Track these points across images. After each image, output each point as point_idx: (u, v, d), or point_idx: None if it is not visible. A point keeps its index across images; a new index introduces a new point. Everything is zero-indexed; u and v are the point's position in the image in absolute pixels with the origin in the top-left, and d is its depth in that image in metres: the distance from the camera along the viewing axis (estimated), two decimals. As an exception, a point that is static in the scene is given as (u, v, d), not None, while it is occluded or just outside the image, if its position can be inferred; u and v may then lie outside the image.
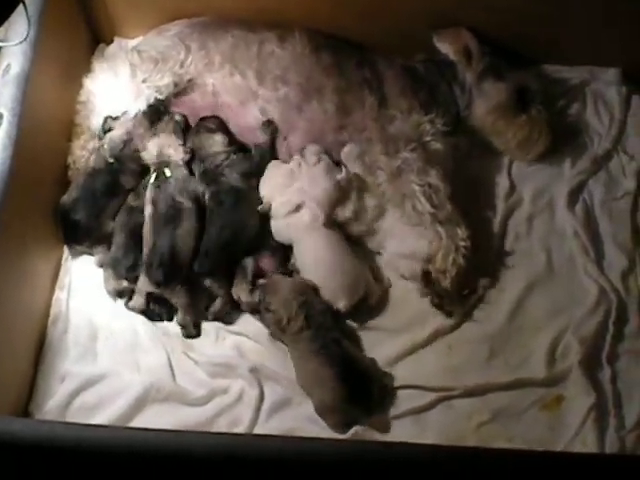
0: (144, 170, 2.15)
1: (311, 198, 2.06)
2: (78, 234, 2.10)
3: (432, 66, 2.23)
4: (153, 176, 2.11)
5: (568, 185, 2.20)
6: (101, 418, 1.92)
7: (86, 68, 2.30)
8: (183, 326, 2.03)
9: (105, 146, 2.14)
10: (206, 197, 2.10)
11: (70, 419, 1.93)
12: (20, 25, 1.85)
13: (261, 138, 2.16)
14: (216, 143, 2.13)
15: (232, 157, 2.13)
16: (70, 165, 2.18)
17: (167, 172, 2.10)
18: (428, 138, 2.12)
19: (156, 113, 2.18)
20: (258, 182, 2.11)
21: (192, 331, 2.04)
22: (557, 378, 1.97)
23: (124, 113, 2.16)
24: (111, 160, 2.13)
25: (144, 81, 2.15)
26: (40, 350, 2.02)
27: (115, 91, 2.17)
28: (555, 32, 2.24)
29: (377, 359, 1.98)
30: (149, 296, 2.03)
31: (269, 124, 2.15)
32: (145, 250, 2.03)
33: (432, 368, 1.99)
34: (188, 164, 2.14)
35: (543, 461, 1.55)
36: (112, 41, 2.40)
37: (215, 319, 2.04)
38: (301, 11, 2.23)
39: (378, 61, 2.23)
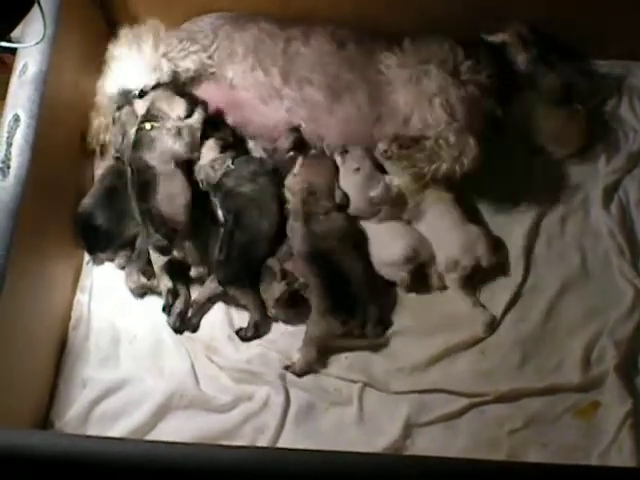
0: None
1: None
2: (100, 242, 2.05)
3: (477, 49, 2.15)
4: (134, 129, 2.06)
5: (603, 183, 2.14)
6: (124, 426, 1.89)
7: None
8: (199, 278, 2.01)
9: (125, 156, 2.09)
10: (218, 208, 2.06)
11: (92, 427, 1.90)
12: (36, 24, 1.80)
13: (283, 143, 2.10)
14: (209, 151, 2.08)
15: (228, 166, 2.06)
16: (88, 139, 2.17)
17: (147, 125, 2.04)
18: (466, 77, 2.05)
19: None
20: (269, 182, 2.06)
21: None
22: (592, 383, 1.92)
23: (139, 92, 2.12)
24: (117, 154, 2.10)
25: (164, 55, 2.11)
26: (61, 355, 1.99)
27: (134, 60, 2.13)
28: (590, 26, 2.17)
29: (409, 363, 1.95)
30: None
31: (293, 131, 2.10)
32: (138, 218, 2.01)
33: (464, 373, 1.95)
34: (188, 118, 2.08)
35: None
36: (131, 37, 2.35)
37: (255, 333, 1.99)
38: (326, 2, 2.18)
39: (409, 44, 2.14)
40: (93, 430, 1.89)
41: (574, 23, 2.15)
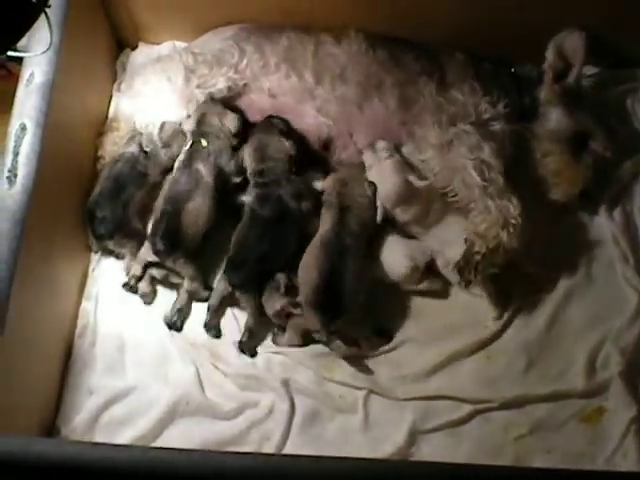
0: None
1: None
2: (106, 227, 2.05)
3: (502, 68, 2.16)
4: (189, 144, 2.08)
5: (606, 190, 2.13)
6: (130, 433, 1.89)
7: (110, 73, 2.31)
8: (191, 292, 2.02)
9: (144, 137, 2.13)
10: (250, 196, 2.05)
11: (98, 434, 1.91)
12: (43, 33, 1.78)
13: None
14: (284, 150, 2.06)
15: (291, 174, 2.06)
16: (100, 159, 2.16)
17: (203, 142, 2.06)
18: (487, 116, 2.05)
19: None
20: (309, 204, 2.05)
21: (202, 294, 2.03)
22: (597, 389, 1.92)
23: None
24: (147, 148, 2.11)
25: (198, 87, 2.12)
26: (67, 362, 1.99)
27: (167, 95, 2.13)
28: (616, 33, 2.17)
29: (414, 370, 1.95)
30: (148, 266, 2.02)
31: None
32: (154, 215, 2.03)
33: (469, 379, 1.95)
34: (236, 136, 2.09)
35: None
36: (136, 46, 2.37)
37: (249, 337, 1.99)
38: (327, 12, 2.18)
39: (437, 53, 2.15)
40: (99, 437, 1.90)
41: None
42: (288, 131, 2.09)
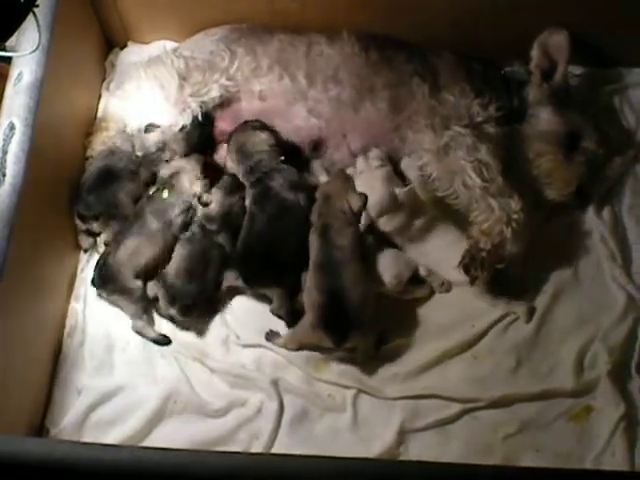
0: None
1: None
2: (92, 209, 2.06)
3: (492, 68, 2.17)
4: (152, 189, 2.09)
5: (594, 189, 2.14)
6: (119, 432, 1.89)
7: (99, 73, 2.31)
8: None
9: (138, 141, 2.12)
10: (247, 200, 2.05)
11: (87, 434, 1.90)
12: (31, 32, 1.80)
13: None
14: (262, 141, 2.07)
15: (280, 163, 2.06)
16: (89, 159, 2.15)
17: (165, 194, 2.07)
18: (480, 119, 2.06)
19: (199, 136, 2.15)
20: (306, 196, 2.04)
21: (146, 333, 2.02)
22: (585, 388, 1.93)
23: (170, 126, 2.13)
24: (139, 154, 2.11)
25: (191, 95, 2.12)
26: (56, 363, 1.99)
27: (160, 103, 2.13)
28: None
29: (402, 369, 1.95)
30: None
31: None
32: None
33: (457, 379, 1.95)
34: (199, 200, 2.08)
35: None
36: (125, 45, 2.37)
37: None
38: (319, 12, 2.19)
39: (428, 55, 2.15)
40: (88, 437, 1.89)
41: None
42: (262, 126, 2.10)
